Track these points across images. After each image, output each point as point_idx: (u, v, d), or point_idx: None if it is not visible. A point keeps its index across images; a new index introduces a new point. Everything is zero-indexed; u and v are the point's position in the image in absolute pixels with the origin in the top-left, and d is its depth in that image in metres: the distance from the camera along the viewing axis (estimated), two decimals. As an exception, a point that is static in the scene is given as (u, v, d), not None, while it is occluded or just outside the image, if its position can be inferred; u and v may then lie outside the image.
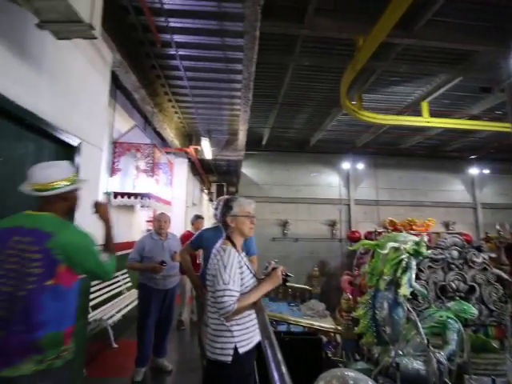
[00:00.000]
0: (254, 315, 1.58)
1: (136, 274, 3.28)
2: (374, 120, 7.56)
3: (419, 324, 4.34)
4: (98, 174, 2.86)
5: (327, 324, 7.03)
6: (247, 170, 13.10)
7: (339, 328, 6.44)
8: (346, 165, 13.12)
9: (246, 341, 1.54)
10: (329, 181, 13.61)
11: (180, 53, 3.62)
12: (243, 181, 12.82)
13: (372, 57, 5.39)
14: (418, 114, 8.01)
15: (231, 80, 4.30)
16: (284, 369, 0.70)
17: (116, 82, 4.18)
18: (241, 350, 1.50)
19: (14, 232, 1.35)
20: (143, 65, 4.04)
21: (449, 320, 4.57)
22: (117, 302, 3.85)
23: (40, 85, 2.02)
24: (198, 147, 6.12)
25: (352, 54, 5.70)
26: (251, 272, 1.65)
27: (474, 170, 13.36)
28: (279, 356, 0.76)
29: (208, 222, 12.46)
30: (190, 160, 7.14)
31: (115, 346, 3.52)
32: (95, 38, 1.70)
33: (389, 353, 4.27)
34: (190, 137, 6.49)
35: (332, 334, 6.87)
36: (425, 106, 7.92)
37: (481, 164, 13.30)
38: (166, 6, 2.93)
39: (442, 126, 8.38)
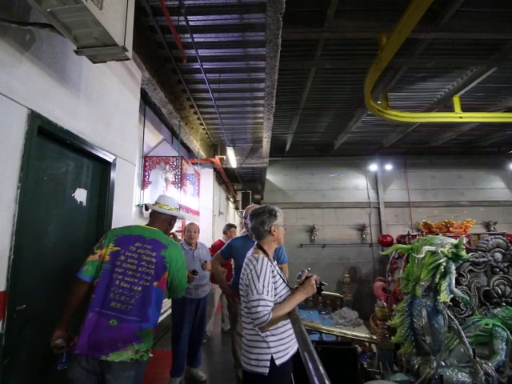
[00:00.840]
0: (290, 325, 1.55)
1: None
2: (401, 119, 7.29)
3: (462, 333, 4.06)
4: (131, 188, 3.00)
5: (361, 333, 6.75)
6: (272, 176, 13.11)
7: (374, 337, 6.16)
8: (373, 166, 12.73)
9: (282, 352, 1.50)
10: (355, 184, 13.26)
11: (205, 66, 3.73)
12: (268, 187, 12.83)
13: (396, 54, 5.23)
14: (449, 109, 7.61)
15: (254, 89, 4.36)
16: (328, 382, 0.67)
17: (145, 98, 4.39)
18: (277, 362, 1.46)
19: (136, 239, 1.73)
20: (170, 80, 4.21)
21: (496, 328, 4.25)
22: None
23: (78, 106, 2.17)
24: (223, 156, 6.22)
25: (375, 54, 5.56)
26: (284, 281, 1.63)
27: (515, 166, 12.42)
28: (322, 369, 0.73)
29: (235, 230, 12.53)
30: (215, 169, 7.28)
31: (150, 355, 3.60)
32: (128, 59, 1.79)
33: (430, 364, 4.03)
34: (214, 147, 6.64)
35: (367, 344, 6.59)
36: (456, 100, 7.51)
37: (522, 159, 12.35)
38: (190, 23, 3.04)
39: (476, 120, 7.90)
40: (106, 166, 2.50)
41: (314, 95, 8.01)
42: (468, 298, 4.85)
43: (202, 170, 6.85)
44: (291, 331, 1.55)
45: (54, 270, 1.97)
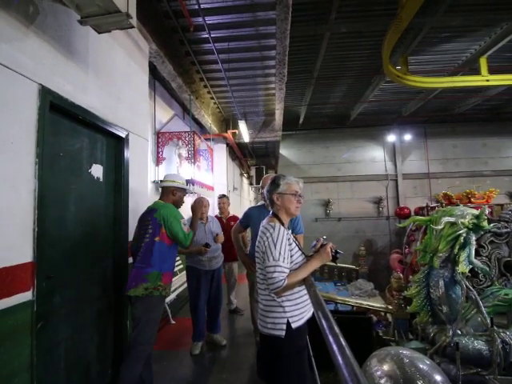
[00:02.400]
0: (305, 291, 1.58)
1: (185, 257, 3.47)
2: (422, 84, 6.86)
3: (480, 303, 4.04)
4: (145, 163, 3.02)
5: (377, 303, 6.84)
6: (285, 151, 12.92)
7: (390, 307, 6.25)
8: (391, 137, 12.28)
9: (297, 316, 1.54)
10: (372, 156, 12.88)
11: (213, 35, 3.59)
12: (282, 162, 12.69)
13: (418, 13, 4.83)
14: (475, 72, 7.08)
15: (265, 57, 4.18)
16: (343, 340, 0.68)
17: (154, 73, 4.30)
18: (293, 325, 1.51)
19: (145, 212, 2.31)
20: (178, 52, 4.09)
21: (516, 298, 4.18)
22: (172, 282, 4.14)
23: (87, 81, 2.15)
24: (236, 131, 6.14)
25: (394, 13, 5.15)
26: (300, 249, 1.64)
27: (545, 132, 11.62)
28: (336, 328, 0.74)
29: (248, 205, 12.65)
30: (228, 145, 7.22)
31: (173, 322, 3.82)
32: (133, 27, 1.74)
33: (446, 332, 4.07)
34: (226, 121, 6.54)
35: (382, 314, 6.70)
36: (483, 62, 6.95)
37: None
38: (195, -13, 2.89)
39: (504, 83, 7.31)
40: (119, 142, 2.52)
41: (328, 63, 7.60)
42: (488, 269, 4.76)
43: (214, 145, 6.81)
44: (307, 297, 1.58)
45: (76, 242, 2.06)
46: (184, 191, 2.46)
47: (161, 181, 2.45)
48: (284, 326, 1.50)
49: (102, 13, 1.64)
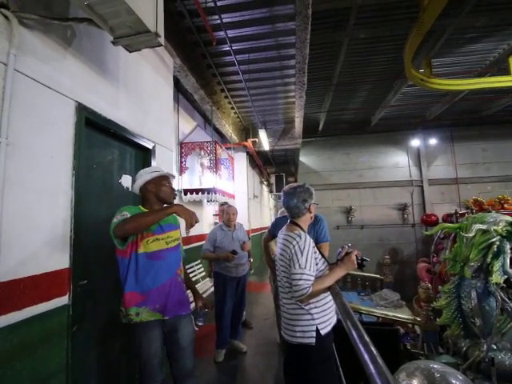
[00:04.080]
0: (330, 297, 1.59)
1: (208, 264, 3.52)
2: (448, 87, 6.65)
3: (518, 316, 3.79)
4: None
5: (404, 315, 6.57)
6: (305, 158, 12.86)
7: (418, 319, 5.98)
8: (415, 142, 11.90)
9: (325, 322, 1.55)
10: (395, 161, 12.54)
11: (234, 48, 3.70)
12: (302, 169, 12.63)
13: (440, 15, 4.72)
14: (505, 72, 6.78)
15: (284, 66, 4.25)
16: (374, 349, 0.67)
17: (177, 86, 4.48)
18: (322, 332, 1.52)
19: None
20: (200, 66, 4.24)
21: (559, 312, 3.88)
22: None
23: (118, 96, 2.28)
24: (256, 140, 6.21)
25: (415, 17, 5.07)
26: (323, 257, 1.65)
27: None
28: (366, 337, 0.73)
29: (269, 213, 12.63)
30: (248, 153, 7.32)
31: (196, 329, 3.85)
32: (161, 45, 1.84)
33: (480, 347, 3.85)
34: (246, 130, 6.64)
35: (410, 325, 6.41)
36: (513, 61, 6.66)
37: None
38: (218, 3, 3.00)
39: (538, 82, 6.95)
40: (146, 153, 2.63)
41: (347, 69, 7.56)
42: (525, 280, 4.46)
43: (235, 154, 6.92)
44: (332, 303, 1.59)
45: (107, 250, 2.16)
46: (160, 178, 1.81)
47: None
48: (314, 334, 1.51)
49: (133, 33, 1.74)
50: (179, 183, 4.39)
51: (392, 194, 12.30)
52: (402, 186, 12.27)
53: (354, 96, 9.39)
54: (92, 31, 2.00)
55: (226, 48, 3.65)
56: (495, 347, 3.79)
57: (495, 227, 3.90)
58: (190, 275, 4.33)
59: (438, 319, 4.71)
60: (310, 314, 1.54)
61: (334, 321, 1.62)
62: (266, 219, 11.45)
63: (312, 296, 1.49)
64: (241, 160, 7.14)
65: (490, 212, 4.92)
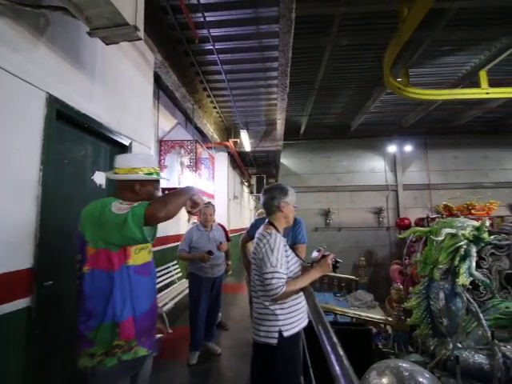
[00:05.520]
0: (300, 300, 1.60)
1: (185, 265, 3.47)
2: (423, 96, 6.95)
3: (481, 315, 4.01)
4: (147, 171, 3.06)
5: (376, 315, 6.78)
6: (286, 160, 12.99)
7: (390, 319, 6.19)
8: (391, 148, 12.34)
9: (290, 325, 1.55)
10: (372, 166, 12.94)
11: (217, 47, 3.66)
12: (282, 171, 12.75)
13: (418, 27, 4.93)
14: (475, 85, 7.18)
15: (267, 68, 4.26)
16: (341, 351, 0.69)
17: (158, 83, 4.38)
18: (285, 334, 1.52)
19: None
20: (182, 63, 4.17)
21: (517, 311, 4.15)
22: (170, 290, 4.13)
23: (94, 90, 2.20)
24: (237, 140, 6.20)
25: (395, 27, 5.27)
26: (299, 258, 1.66)
27: (546, 145, 11.69)
28: (335, 339, 0.75)
29: (249, 214, 12.64)
30: (229, 153, 7.28)
31: (170, 331, 3.78)
32: (140, 39, 1.79)
33: (446, 345, 4.03)
34: (228, 130, 6.61)
35: (382, 325, 6.63)
36: (483, 75, 7.05)
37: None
38: (201, 1, 2.97)
39: (504, 96, 7.39)
40: (122, 150, 2.55)
41: (329, 74, 7.72)
42: (488, 281, 4.74)
43: (216, 153, 6.87)
44: (301, 305, 1.60)
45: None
46: (154, 183, 1.46)
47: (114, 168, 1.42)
48: (276, 335, 1.52)
49: (111, 25, 1.69)
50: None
51: (368, 197, 12.68)
52: (378, 191, 12.68)
53: (335, 101, 9.59)
54: (67, 21, 1.91)
55: (209, 46, 3.62)
56: (460, 346, 3.99)
57: (463, 231, 4.10)
58: (166, 276, 4.25)
59: (408, 319, 4.88)
60: (274, 314, 1.55)
61: (302, 323, 1.62)
62: (246, 220, 11.45)
63: (285, 295, 1.50)
64: (222, 160, 7.09)
65: (458, 217, 5.19)
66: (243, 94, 5.05)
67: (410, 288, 6.22)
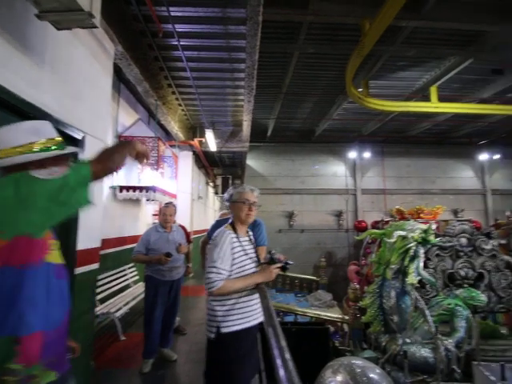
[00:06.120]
0: (246, 299, 1.61)
1: (143, 268, 3.32)
2: (380, 107, 7.40)
3: (427, 312, 4.34)
4: (103, 168, 2.87)
5: (334, 314, 7.05)
6: (252, 162, 13.06)
7: (346, 317, 6.47)
8: (352, 154, 12.97)
9: (228, 322, 1.56)
10: (334, 171, 13.51)
11: (182, 43, 3.57)
12: (248, 173, 12.80)
13: (378, 41, 5.24)
14: (427, 99, 7.82)
15: (234, 69, 4.24)
16: (288, 355, 0.69)
17: (119, 76, 4.15)
18: (223, 330, 1.55)
19: None
20: (146, 57, 4.00)
21: (457, 307, 4.55)
22: (124, 295, 3.92)
23: (42, 77, 2.01)
24: (203, 139, 6.09)
25: (358, 40, 5.55)
26: (252, 257, 1.68)
27: (483, 156, 13.08)
28: (283, 342, 0.75)
29: (214, 215, 12.49)
30: (194, 153, 7.13)
31: (123, 338, 3.59)
32: (95, 27, 1.68)
33: (396, 341, 4.29)
34: (194, 129, 6.46)
35: (339, 324, 6.91)
36: (433, 90, 7.71)
37: (491, 149, 13.00)
38: (166, -6, 2.87)
39: (450, 111, 8.17)
40: (74, 144, 2.36)
41: (296, 80, 7.93)
42: (434, 280, 5.15)
43: (180, 152, 6.68)
44: (247, 305, 1.61)
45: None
46: (62, 160, 1.13)
47: None
48: (214, 330, 1.56)
49: (63, 9, 1.56)
50: (114, 179, 4.06)
51: (330, 200, 13.21)
52: (339, 194, 13.26)
53: (301, 106, 9.86)
54: (14, 0, 1.73)
55: (175, 42, 3.51)
56: (409, 341, 4.27)
57: (412, 234, 4.40)
58: (121, 279, 4.03)
59: (363, 317, 5.12)
60: (214, 310, 1.59)
61: (246, 323, 1.61)
62: (211, 221, 11.27)
63: (222, 291, 1.52)
64: (186, 159, 6.92)
65: (409, 220, 5.59)
66: (210, 93, 4.97)
67: (366, 287, 6.58)
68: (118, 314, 3.35)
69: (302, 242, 12.90)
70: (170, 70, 4.30)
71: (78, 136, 2.36)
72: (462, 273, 5.85)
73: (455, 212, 13.20)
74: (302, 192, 13.20)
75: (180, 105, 5.49)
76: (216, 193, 11.45)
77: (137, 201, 4.69)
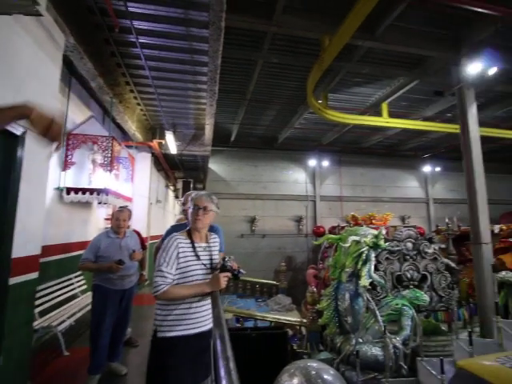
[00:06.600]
0: (187, 305, 1.57)
1: (91, 276, 3.07)
2: (338, 119, 7.81)
3: (377, 312, 4.59)
4: (45, 168, 2.62)
5: (293, 317, 7.19)
6: (215, 166, 12.94)
7: (304, 320, 6.63)
8: (312, 162, 13.47)
9: (165, 327, 1.55)
10: (295, 177, 13.91)
11: (141, 40, 3.43)
12: (211, 177, 12.64)
13: (337, 57, 5.55)
14: (379, 114, 8.43)
15: (197, 72, 4.18)
16: (232, 364, 0.68)
17: (71, 69, 3.87)
18: (158, 334, 1.55)
19: None
20: (102, 51, 3.77)
21: (404, 307, 4.87)
22: (69, 306, 3.59)
23: (-26, 64, 1.79)
24: (162, 141, 5.88)
25: (318, 54, 5.81)
26: (206, 263, 1.65)
27: (427, 168, 14.46)
28: (229, 352, 0.74)
29: (173, 220, 12.09)
30: (153, 155, 6.86)
31: (66, 353, 3.26)
32: (40, 15, 1.54)
33: (350, 341, 4.48)
34: (153, 130, 6.22)
35: (298, 327, 7.05)
36: (385, 106, 8.35)
37: (433, 162, 14.41)
38: (124, -11, 2.75)
39: (399, 126, 8.90)
40: (12, 140, 2.13)
41: (260, 88, 8.07)
42: (384, 282, 5.48)
43: (138, 154, 6.38)
44: (187, 313, 1.57)
45: None
46: None
47: None
48: (152, 333, 1.57)
49: (0, -9, 1.41)
50: (61, 180, 3.73)
51: (291, 206, 13.54)
52: (299, 200, 13.66)
53: (265, 113, 10.03)
54: None
55: (133, 39, 3.36)
56: (361, 341, 4.47)
57: (365, 239, 4.65)
58: (66, 289, 3.69)
59: (320, 320, 5.27)
60: (155, 313, 1.59)
61: (186, 330, 1.56)
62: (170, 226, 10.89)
63: (167, 296, 1.52)
64: (144, 161, 6.62)
65: (362, 226, 5.91)
66: (171, 94, 4.83)
67: (322, 290, 6.80)
68: (61, 327, 3.05)
69: (264, 247, 13.01)
70: (128, 67, 4.11)
71: (18, 132, 2.13)
72: (408, 275, 6.31)
73: (403, 219, 14.32)
74: (264, 197, 13.36)
75: (139, 104, 5.26)
76: (176, 197, 11.11)
77: (87, 204, 4.36)
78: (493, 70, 6.16)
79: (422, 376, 3.75)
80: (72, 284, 3.84)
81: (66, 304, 3.60)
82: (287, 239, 13.22)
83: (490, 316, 4.93)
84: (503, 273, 5.55)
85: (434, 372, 3.40)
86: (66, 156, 3.78)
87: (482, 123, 7.23)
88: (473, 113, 6.55)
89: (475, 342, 3.42)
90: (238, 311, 6.75)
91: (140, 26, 3.31)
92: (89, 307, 3.52)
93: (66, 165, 3.76)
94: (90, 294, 4.00)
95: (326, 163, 13.50)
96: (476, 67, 5.98)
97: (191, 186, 10.04)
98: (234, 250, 11.72)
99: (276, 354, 4.18)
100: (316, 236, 12.47)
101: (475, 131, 6.48)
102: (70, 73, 3.99)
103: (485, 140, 7.23)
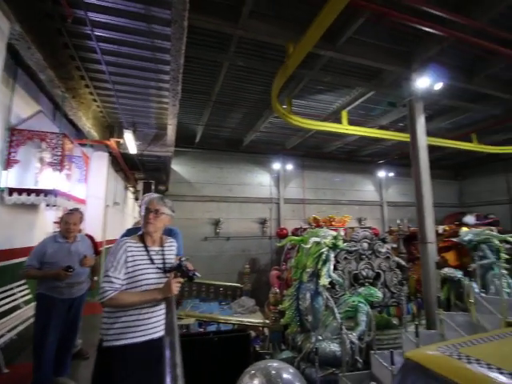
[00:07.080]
0: (136, 312, 1.50)
1: (34, 284, 2.81)
2: (301, 124, 8.05)
3: (335, 310, 4.80)
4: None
5: (256, 319, 7.23)
6: (179, 167, 12.62)
7: (267, 321, 6.70)
8: (276, 165, 13.72)
9: (110, 336, 1.47)
10: (260, 180, 14.06)
11: (97, 33, 3.25)
12: (174, 179, 12.29)
13: (301, 65, 5.72)
14: (339, 121, 8.84)
15: (159, 70, 4.05)
16: (179, 371, 0.67)
17: (17, 59, 3.54)
18: (104, 344, 1.47)
19: None
20: (53, 42, 3.51)
21: (360, 304, 5.13)
22: (10, 318, 3.25)
23: None
24: (121, 140, 5.60)
25: (283, 60, 5.95)
26: (160, 267, 1.60)
27: (381, 173, 15.52)
28: (178, 359, 0.73)
29: (132, 223, 11.57)
30: (111, 154, 6.49)
31: (6, 371, 2.95)
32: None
33: (310, 339, 4.62)
34: (111, 128, 5.89)
35: (260, 328, 7.11)
36: (344, 114, 8.79)
37: (387, 168, 15.49)
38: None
39: (357, 133, 9.42)
40: None
41: (226, 90, 8.05)
42: (342, 281, 5.74)
43: (93, 153, 5.98)
44: (137, 319, 1.50)
45: None
46: None
47: None
48: (97, 342, 1.49)
49: None
50: (2, 180, 3.37)
51: (255, 209, 13.66)
52: (263, 203, 13.83)
53: (230, 116, 10.02)
54: None
55: (88, 31, 3.17)
56: (321, 338, 4.63)
57: (325, 240, 4.84)
58: (6, 300, 3.34)
59: (282, 320, 5.36)
60: (102, 322, 1.51)
61: (133, 338, 1.48)
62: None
63: (114, 302, 1.44)
64: (101, 161, 6.22)
65: (322, 228, 6.14)
66: (130, 92, 4.63)
67: (285, 291, 6.94)
68: (1, 341, 2.76)
69: (228, 250, 12.93)
70: (82, 60, 3.86)
71: None
72: (364, 273, 6.68)
73: (359, 220, 15.16)
74: (228, 200, 13.30)
75: (95, 100, 4.96)
76: (136, 199, 10.62)
77: (33, 206, 3.99)
78: (439, 85, 6.79)
79: (374, 368, 3.96)
80: (14, 294, 3.48)
81: (7, 316, 3.26)
82: (251, 241, 13.29)
83: (434, 309, 5.39)
84: (446, 269, 6.09)
85: (385, 364, 3.62)
86: (9, 153, 3.43)
87: (430, 133, 7.94)
88: (421, 123, 7.15)
89: (421, 334, 3.69)
90: (200, 316, 6.62)
91: (96, 18, 3.13)
92: (33, 319, 3.23)
93: (8, 163, 3.40)
94: (34, 304, 3.68)
95: (290, 167, 13.83)
96: (424, 82, 6.54)
97: (152, 187, 9.67)
98: (197, 253, 11.51)
99: (239, 356, 4.16)
100: (279, 238, 12.70)
101: (423, 140, 7.08)
102: (15, 63, 3.66)
103: (431, 149, 7.94)
